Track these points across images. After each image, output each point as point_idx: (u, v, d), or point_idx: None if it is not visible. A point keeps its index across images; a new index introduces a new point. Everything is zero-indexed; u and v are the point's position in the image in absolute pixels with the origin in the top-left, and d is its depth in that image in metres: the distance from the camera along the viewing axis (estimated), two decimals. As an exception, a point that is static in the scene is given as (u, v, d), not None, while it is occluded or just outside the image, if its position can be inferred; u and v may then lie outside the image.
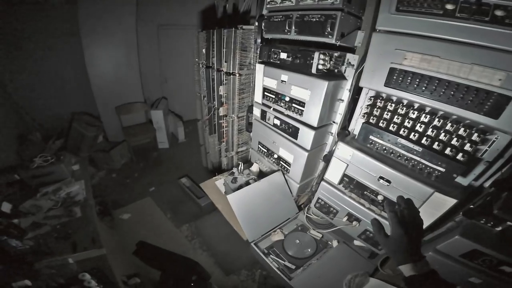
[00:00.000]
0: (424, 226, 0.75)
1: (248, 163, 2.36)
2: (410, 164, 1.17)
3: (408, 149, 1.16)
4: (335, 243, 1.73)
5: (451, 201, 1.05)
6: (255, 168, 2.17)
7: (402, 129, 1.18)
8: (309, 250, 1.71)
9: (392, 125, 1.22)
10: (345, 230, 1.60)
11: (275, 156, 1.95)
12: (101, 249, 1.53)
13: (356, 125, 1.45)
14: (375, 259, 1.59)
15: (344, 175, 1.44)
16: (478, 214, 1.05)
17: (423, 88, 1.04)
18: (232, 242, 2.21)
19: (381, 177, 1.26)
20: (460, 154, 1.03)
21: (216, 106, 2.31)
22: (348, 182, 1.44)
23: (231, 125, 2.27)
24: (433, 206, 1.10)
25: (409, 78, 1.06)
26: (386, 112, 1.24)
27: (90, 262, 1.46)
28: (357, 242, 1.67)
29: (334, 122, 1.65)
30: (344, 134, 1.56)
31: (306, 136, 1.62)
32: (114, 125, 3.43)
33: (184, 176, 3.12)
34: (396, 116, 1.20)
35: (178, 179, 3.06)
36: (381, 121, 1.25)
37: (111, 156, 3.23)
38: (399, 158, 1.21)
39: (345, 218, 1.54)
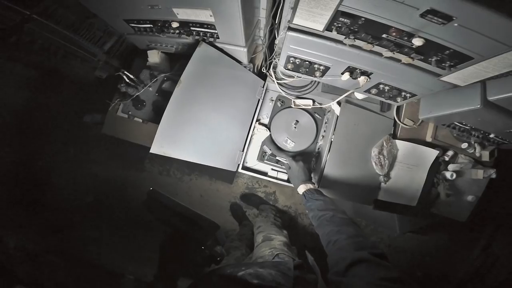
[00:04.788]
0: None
1: (139, 54, 1.43)
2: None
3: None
4: (335, 107, 1.29)
5: None
6: (153, 57, 1.29)
7: None
8: (310, 133, 1.32)
9: None
10: (335, 84, 1.14)
11: (174, 25, 1.07)
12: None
13: None
14: (387, 112, 1.26)
15: (340, 13, 0.72)
16: None
17: None
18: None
19: (430, 12, 0.56)
20: None
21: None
22: (349, 25, 0.78)
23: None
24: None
25: None
26: None
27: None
28: (359, 95, 1.25)
29: None
30: None
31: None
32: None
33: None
34: None
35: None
36: None
37: None
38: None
39: (346, 76, 1.01)
